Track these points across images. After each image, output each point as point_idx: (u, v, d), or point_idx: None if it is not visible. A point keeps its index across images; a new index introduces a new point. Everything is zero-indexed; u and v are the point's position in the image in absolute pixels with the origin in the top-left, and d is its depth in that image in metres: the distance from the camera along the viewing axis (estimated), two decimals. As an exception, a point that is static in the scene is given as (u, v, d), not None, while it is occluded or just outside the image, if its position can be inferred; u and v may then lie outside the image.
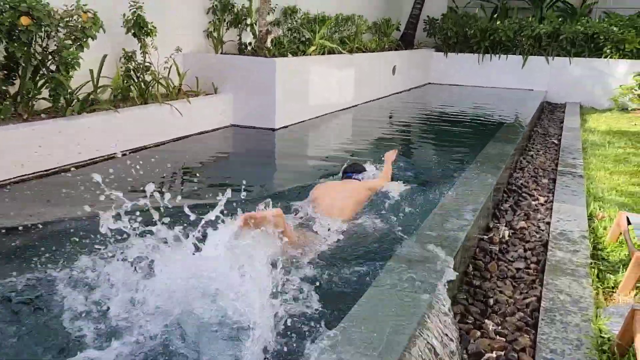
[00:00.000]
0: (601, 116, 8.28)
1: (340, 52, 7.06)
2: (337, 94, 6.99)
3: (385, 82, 8.70)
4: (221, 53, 6.07)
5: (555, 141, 6.16)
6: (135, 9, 4.57)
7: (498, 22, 10.24)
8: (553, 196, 4.02)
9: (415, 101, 8.79)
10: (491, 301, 2.49)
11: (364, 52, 8.24)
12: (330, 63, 6.83)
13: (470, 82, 10.42)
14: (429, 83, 10.76)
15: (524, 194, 4.11)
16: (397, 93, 9.16)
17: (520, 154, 5.47)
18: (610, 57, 9.33)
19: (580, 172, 4.66)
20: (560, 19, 9.97)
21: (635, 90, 8.79)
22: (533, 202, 3.95)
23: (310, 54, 6.53)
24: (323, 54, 7.05)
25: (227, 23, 6.09)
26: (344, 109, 7.15)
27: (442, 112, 7.94)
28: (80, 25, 3.89)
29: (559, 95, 9.75)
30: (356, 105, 7.53)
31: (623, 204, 3.92)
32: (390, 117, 7.35)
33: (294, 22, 7.32)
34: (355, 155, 4.82)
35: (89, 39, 3.99)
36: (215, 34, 5.92)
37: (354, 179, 3.54)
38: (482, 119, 7.41)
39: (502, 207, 3.78)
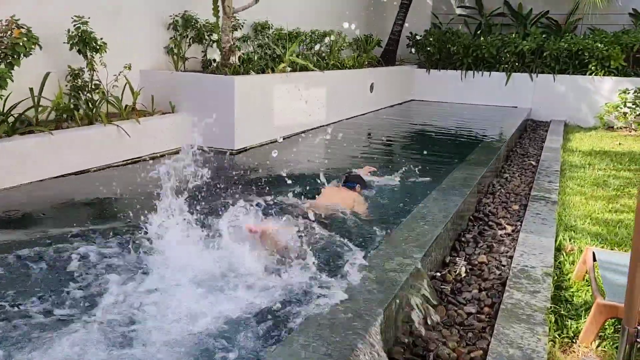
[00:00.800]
0: (585, 135, 8.04)
1: (312, 70, 6.82)
2: (307, 112, 6.72)
3: (362, 99, 8.45)
4: (184, 70, 5.81)
5: (534, 162, 5.89)
6: (79, 24, 4.29)
7: (481, 39, 10.05)
8: (521, 225, 3.73)
9: (393, 119, 8.53)
10: (432, 355, 2.17)
11: (340, 69, 8.00)
12: (300, 80, 6.57)
13: (453, 99, 10.19)
14: (412, 100, 10.53)
15: (490, 223, 3.81)
16: (375, 110, 8.91)
17: (495, 176, 5.19)
18: (595, 74, 9.12)
19: (555, 197, 4.37)
20: (544, 36, 9.79)
21: (621, 108, 8.56)
22: (499, 232, 3.65)
23: (281, 71, 6.28)
24: (295, 70, 6.81)
25: (189, 39, 5.84)
26: (315, 128, 6.87)
27: (419, 130, 7.68)
28: (10, 42, 3.61)
29: (544, 112, 9.53)
30: (329, 124, 7.26)
31: (596, 234, 3.63)
32: (363, 136, 7.06)
33: (265, 38, 7.08)
34: (313, 177, 4.52)
35: (22, 56, 3.71)
36: (176, 50, 5.66)
37: (350, 187, 3.95)
38: (460, 137, 7.15)
39: (464, 238, 3.48)
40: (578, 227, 3.74)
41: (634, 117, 8.46)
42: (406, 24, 10.55)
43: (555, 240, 3.40)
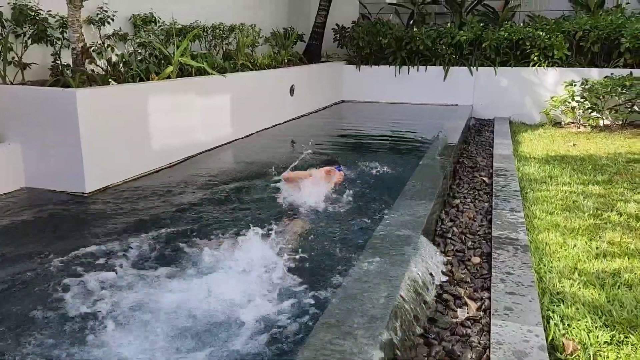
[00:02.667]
0: (534, 135, 7.13)
1: (211, 73, 5.41)
2: (202, 129, 5.31)
3: (281, 105, 7.12)
4: (22, 82, 4.24)
5: (486, 179, 4.80)
6: None
7: (415, 30, 8.97)
8: (489, 297, 2.55)
9: (316, 127, 7.25)
10: None
11: (252, 69, 6.64)
12: (194, 87, 5.15)
13: (388, 98, 9.07)
14: (342, 101, 9.31)
15: (445, 296, 2.60)
16: (299, 117, 7.60)
17: (443, 204, 4.02)
18: (539, 66, 8.27)
19: (523, 237, 3.25)
20: (482, 25, 8.85)
21: (569, 102, 7.74)
22: (460, 314, 2.45)
23: (161, 78, 4.83)
24: (190, 75, 5.39)
25: (27, 38, 4.27)
26: (214, 148, 5.45)
27: (349, 142, 6.44)
28: None
29: (486, 109, 8.61)
30: (236, 140, 5.87)
31: (594, 306, 2.50)
32: (278, 154, 5.71)
33: (149, 36, 5.59)
34: (207, 227, 3.16)
35: None
36: (3, 55, 4.07)
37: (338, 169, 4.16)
38: (397, 150, 5.99)
39: (410, 336, 2.23)
40: (567, 294, 2.61)
41: (582, 112, 7.67)
42: (331, 15, 9.31)
43: (545, 328, 2.23)
